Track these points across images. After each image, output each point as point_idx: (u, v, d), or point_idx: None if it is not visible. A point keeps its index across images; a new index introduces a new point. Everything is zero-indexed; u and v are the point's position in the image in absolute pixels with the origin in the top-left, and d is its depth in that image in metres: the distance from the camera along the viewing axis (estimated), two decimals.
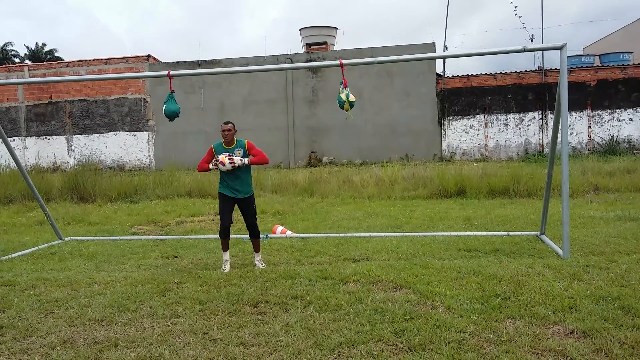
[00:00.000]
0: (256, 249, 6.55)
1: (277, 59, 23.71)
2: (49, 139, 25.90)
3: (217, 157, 6.15)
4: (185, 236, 8.58)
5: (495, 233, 7.77)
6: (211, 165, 6.23)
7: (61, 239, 8.56)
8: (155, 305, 4.85)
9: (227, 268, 6.28)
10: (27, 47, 47.72)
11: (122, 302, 4.97)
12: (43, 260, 7.15)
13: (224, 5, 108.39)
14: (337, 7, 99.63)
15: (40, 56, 46.42)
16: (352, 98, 6.56)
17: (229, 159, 6.07)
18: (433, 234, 7.97)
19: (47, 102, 25.73)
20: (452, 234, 7.87)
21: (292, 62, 23.35)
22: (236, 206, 6.38)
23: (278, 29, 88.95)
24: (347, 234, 8.17)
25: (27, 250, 7.79)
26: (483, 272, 5.45)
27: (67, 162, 25.31)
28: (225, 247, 6.40)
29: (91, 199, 13.78)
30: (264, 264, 6.46)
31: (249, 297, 4.96)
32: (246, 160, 6.13)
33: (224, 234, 6.32)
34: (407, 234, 8.07)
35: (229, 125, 6.19)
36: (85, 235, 9.05)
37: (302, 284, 5.33)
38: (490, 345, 3.72)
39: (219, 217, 6.38)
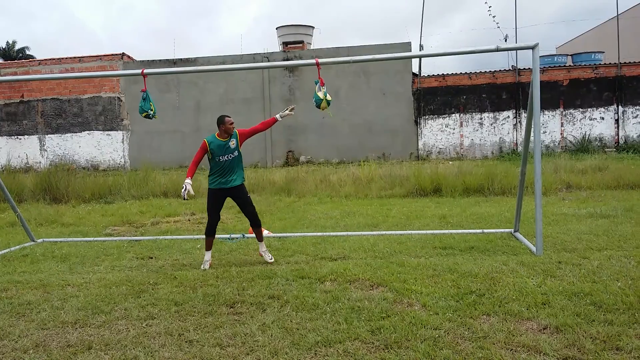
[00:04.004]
0: (259, 238, 6.53)
1: (253, 57, 23.59)
2: (20, 139, 25.35)
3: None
4: (161, 237, 8.49)
5: (470, 231, 7.84)
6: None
7: (33, 241, 8.39)
8: (130, 307, 4.80)
9: (206, 267, 6.30)
10: None
11: (96, 304, 4.90)
12: (15, 263, 7.00)
13: (203, 2, 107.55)
14: (318, 5, 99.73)
15: (11, 54, 45.33)
16: (328, 97, 6.59)
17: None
18: (409, 232, 8.01)
19: (18, 101, 25.18)
20: (428, 232, 7.93)
21: (268, 61, 23.26)
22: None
23: (258, 27, 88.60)
24: (324, 233, 8.17)
25: None
26: (458, 270, 5.51)
27: (40, 162, 24.81)
28: (208, 246, 6.44)
29: (64, 199, 13.54)
30: (271, 257, 6.47)
31: (225, 298, 4.94)
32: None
33: (210, 231, 6.40)
34: (384, 232, 8.11)
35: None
36: (58, 237, 8.88)
37: (279, 284, 5.33)
38: (466, 341, 3.76)
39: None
